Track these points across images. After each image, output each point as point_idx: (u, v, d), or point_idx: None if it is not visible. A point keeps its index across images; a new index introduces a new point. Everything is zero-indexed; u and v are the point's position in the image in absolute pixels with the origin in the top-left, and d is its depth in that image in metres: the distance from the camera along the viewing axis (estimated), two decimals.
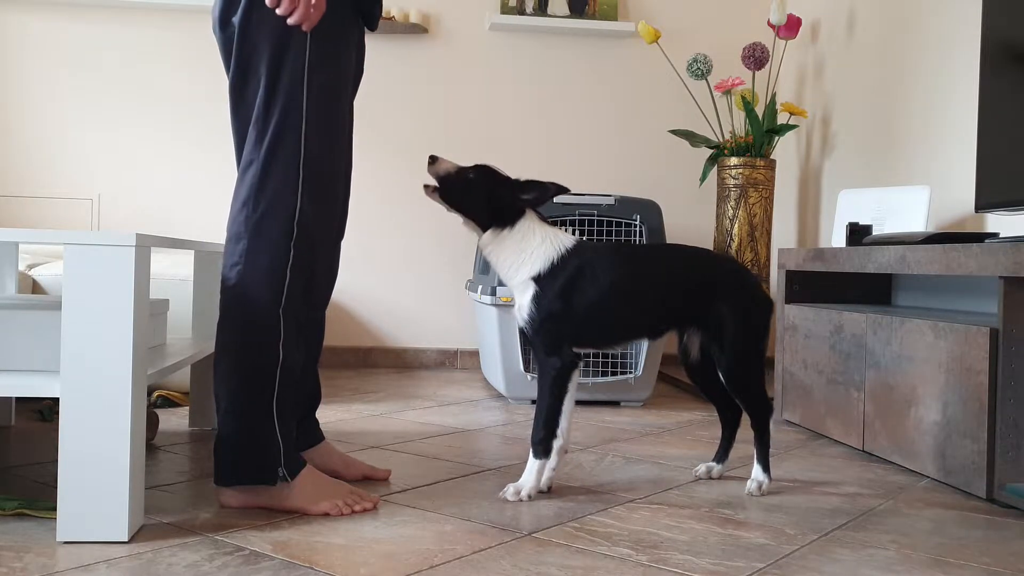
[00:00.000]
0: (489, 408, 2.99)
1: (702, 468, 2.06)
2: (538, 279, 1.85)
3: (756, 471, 1.95)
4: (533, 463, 1.85)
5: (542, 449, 1.85)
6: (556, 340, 1.85)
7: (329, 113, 1.71)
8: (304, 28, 1.61)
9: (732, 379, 1.92)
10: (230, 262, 1.67)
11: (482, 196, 1.87)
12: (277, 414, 1.67)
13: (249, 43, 1.67)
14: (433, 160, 1.89)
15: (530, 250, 1.86)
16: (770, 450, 1.96)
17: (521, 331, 1.93)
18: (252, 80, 1.68)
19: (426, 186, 1.89)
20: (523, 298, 1.87)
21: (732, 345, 1.90)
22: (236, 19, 1.67)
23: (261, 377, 1.66)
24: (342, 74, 1.75)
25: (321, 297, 1.90)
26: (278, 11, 1.59)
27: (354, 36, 1.79)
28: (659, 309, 1.94)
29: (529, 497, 1.82)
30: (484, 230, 1.89)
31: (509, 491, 1.83)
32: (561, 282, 1.84)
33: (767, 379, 1.99)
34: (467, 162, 1.91)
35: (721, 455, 2.07)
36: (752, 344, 1.93)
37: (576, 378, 1.88)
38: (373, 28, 1.88)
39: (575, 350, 1.88)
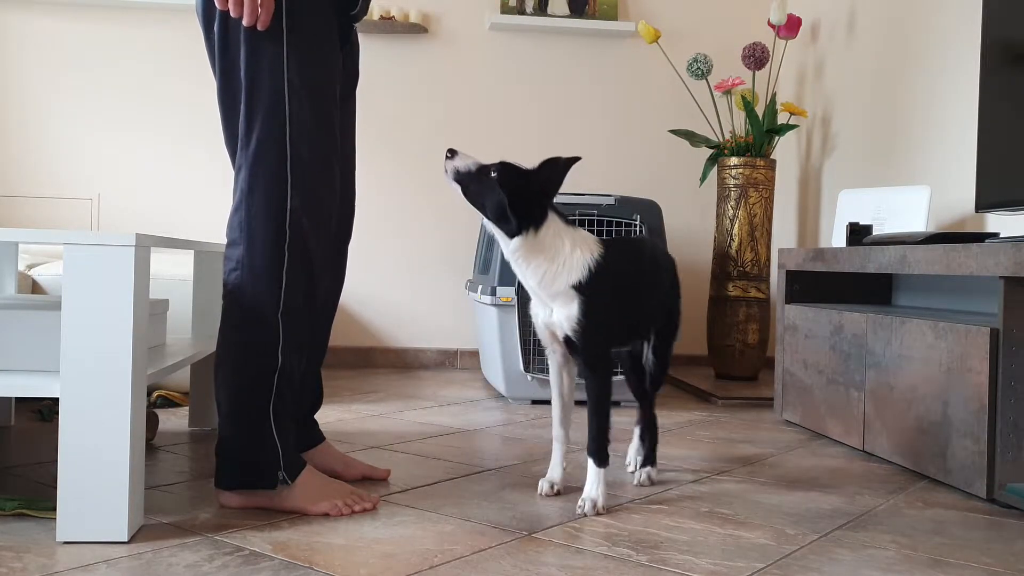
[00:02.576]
0: (489, 408, 2.99)
1: (643, 475, 2.01)
2: (580, 287, 1.76)
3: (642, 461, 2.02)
4: (599, 472, 1.79)
5: (605, 456, 1.80)
6: (604, 347, 1.83)
7: (316, 113, 1.69)
8: (259, 27, 1.61)
9: (665, 367, 2.02)
10: (228, 267, 1.68)
11: (506, 199, 1.72)
12: (275, 418, 1.67)
13: (230, 50, 1.67)
14: (451, 154, 1.76)
15: (563, 257, 1.76)
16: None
17: (567, 340, 1.84)
18: (236, 86, 1.68)
19: (446, 167, 1.77)
20: (568, 308, 1.77)
21: (671, 334, 2.01)
22: (215, 26, 1.68)
23: (259, 382, 1.66)
24: (327, 73, 1.73)
25: (324, 299, 1.89)
26: (231, 14, 1.60)
27: (334, 31, 1.76)
28: (660, 306, 1.99)
29: (605, 509, 1.77)
30: (511, 236, 1.75)
31: (587, 506, 1.75)
32: (603, 288, 1.78)
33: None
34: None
35: (650, 458, 2.03)
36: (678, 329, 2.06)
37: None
38: (355, 20, 1.83)
39: None
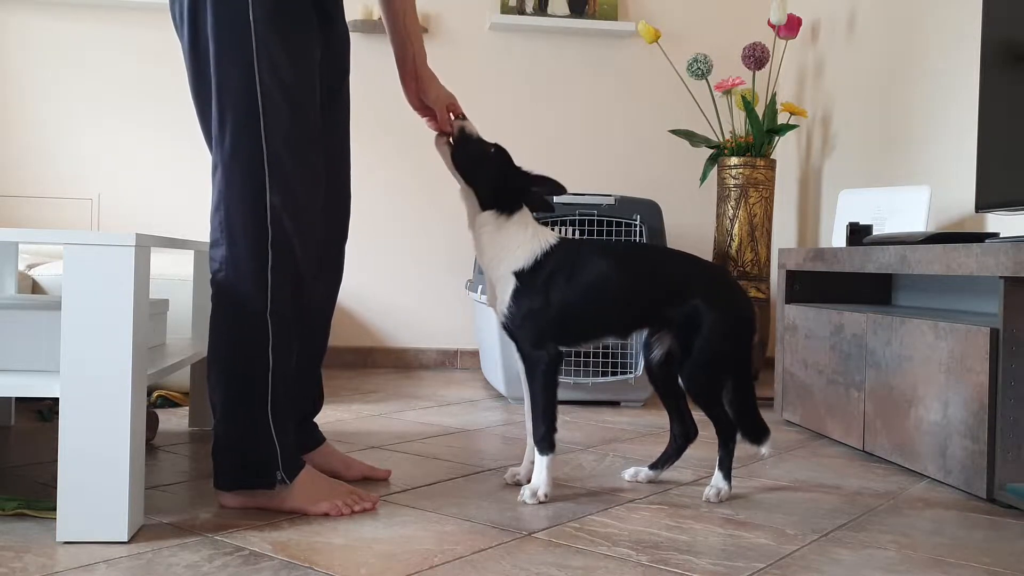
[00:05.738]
0: (489, 408, 2.99)
1: (631, 471, 2.04)
2: (520, 274, 1.83)
3: (717, 478, 1.91)
4: (542, 461, 1.84)
5: (547, 445, 1.84)
6: (539, 335, 1.83)
7: (291, 106, 1.65)
8: None
9: (693, 385, 1.89)
10: (213, 268, 1.66)
11: (495, 174, 1.85)
12: (272, 419, 1.66)
13: (200, 45, 1.65)
14: (463, 118, 1.90)
15: (518, 242, 1.84)
16: (733, 459, 1.92)
17: (504, 327, 1.90)
18: (208, 82, 1.65)
19: (440, 135, 1.88)
20: (504, 293, 1.85)
21: (699, 352, 1.85)
22: (185, 21, 1.66)
23: (253, 383, 1.65)
24: (302, 63, 1.69)
25: (318, 299, 1.88)
26: None
27: (308, 23, 1.71)
28: (630, 309, 1.90)
29: (546, 496, 1.81)
30: (483, 208, 1.86)
31: (526, 494, 1.81)
32: (542, 279, 1.83)
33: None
34: None
35: (659, 463, 2.04)
36: (720, 354, 1.88)
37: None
38: (334, 18, 1.83)
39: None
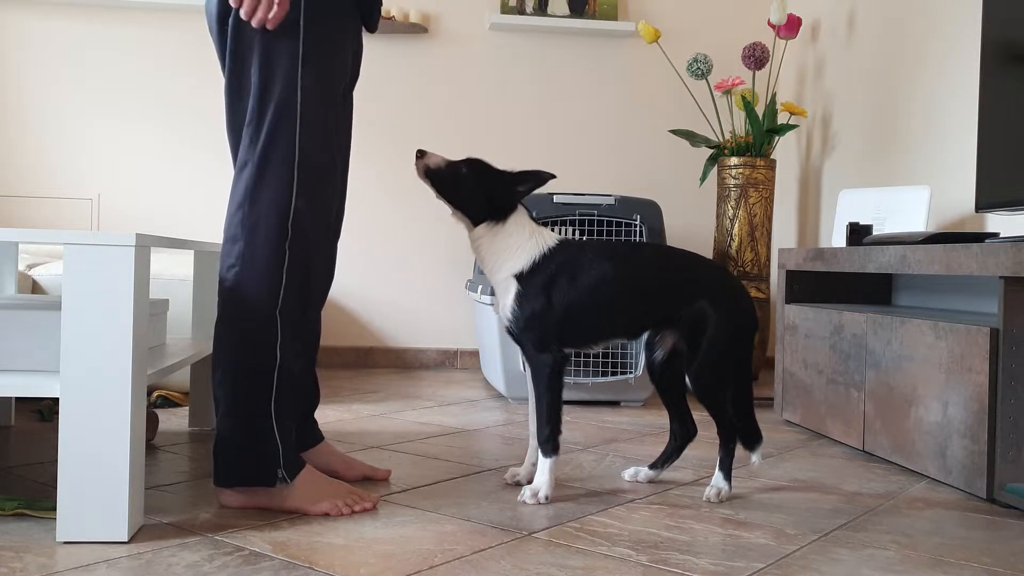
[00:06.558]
0: (489, 408, 2.99)
1: (631, 471, 2.04)
2: (520, 277, 1.83)
3: (717, 478, 1.91)
4: (545, 463, 1.83)
5: (551, 447, 1.83)
6: (544, 338, 1.83)
7: (323, 113, 1.70)
8: (268, 27, 1.61)
9: (700, 385, 1.89)
10: (227, 264, 1.67)
11: (476, 190, 1.85)
12: (276, 416, 1.67)
13: (242, 45, 1.67)
14: (421, 155, 1.86)
15: (517, 246, 1.84)
16: (734, 460, 1.92)
17: (508, 331, 1.91)
18: (246, 81, 1.67)
19: (417, 166, 1.86)
20: (506, 297, 1.85)
21: (707, 352, 1.86)
22: (231, 20, 1.67)
23: (259, 379, 1.66)
24: (336, 75, 1.74)
25: (318, 298, 1.89)
26: (241, 13, 1.60)
27: (349, 36, 1.78)
28: (638, 310, 1.90)
29: (547, 498, 1.81)
30: (475, 224, 1.86)
31: (527, 494, 1.81)
32: (542, 280, 1.82)
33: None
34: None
35: (659, 463, 2.04)
36: (726, 354, 1.88)
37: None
38: (372, 30, 1.88)
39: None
